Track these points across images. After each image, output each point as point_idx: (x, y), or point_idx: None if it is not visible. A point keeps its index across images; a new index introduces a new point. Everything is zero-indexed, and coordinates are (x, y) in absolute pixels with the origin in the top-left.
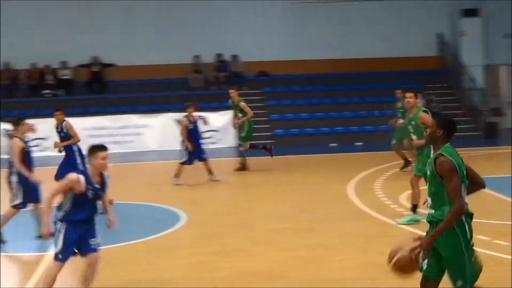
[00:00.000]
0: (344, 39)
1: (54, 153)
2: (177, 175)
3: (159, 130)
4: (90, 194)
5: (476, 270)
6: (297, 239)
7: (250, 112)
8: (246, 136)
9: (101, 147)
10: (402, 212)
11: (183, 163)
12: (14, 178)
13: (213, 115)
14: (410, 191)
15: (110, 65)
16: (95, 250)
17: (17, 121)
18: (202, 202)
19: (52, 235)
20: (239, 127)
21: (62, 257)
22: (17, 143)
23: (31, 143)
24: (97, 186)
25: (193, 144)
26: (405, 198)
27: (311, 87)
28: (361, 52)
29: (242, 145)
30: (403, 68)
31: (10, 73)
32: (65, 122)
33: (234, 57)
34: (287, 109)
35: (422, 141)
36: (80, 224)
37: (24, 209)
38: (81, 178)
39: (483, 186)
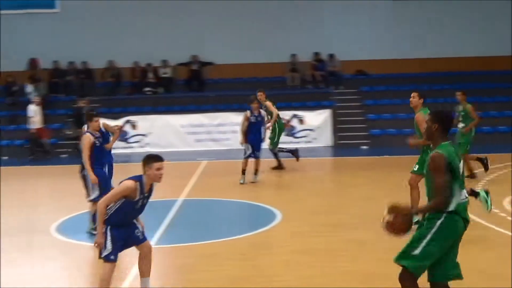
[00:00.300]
0: (445, 37)
1: (154, 149)
2: (255, 172)
3: None
4: (140, 202)
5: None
6: (394, 241)
7: (275, 111)
8: (276, 141)
9: (157, 158)
10: (506, 217)
11: (245, 157)
12: (86, 172)
13: (309, 114)
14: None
15: (208, 63)
16: (144, 239)
17: (89, 117)
18: (297, 201)
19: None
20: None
21: (114, 257)
22: (88, 138)
23: (131, 139)
24: (146, 194)
25: (247, 138)
26: (508, 203)
27: (410, 87)
28: (461, 50)
29: (279, 149)
30: (501, 68)
31: (114, 71)
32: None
33: (331, 56)
34: (384, 108)
35: (418, 141)
36: (122, 227)
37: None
38: (138, 186)
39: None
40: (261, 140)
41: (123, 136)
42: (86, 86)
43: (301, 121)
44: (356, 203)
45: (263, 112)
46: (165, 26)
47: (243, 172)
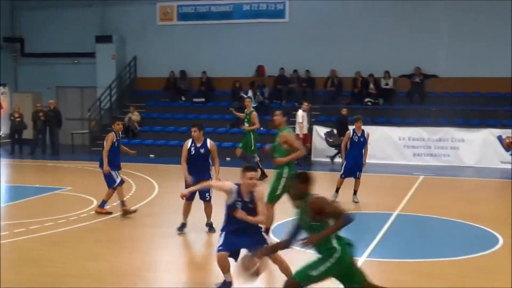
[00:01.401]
0: None
1: (370, 160)
2: (337, 189)
3: (478, 146)
4: (237, 206)
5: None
6: None
7: (257, 124)
8: (253, 149)
9: (250, 168)
10: None
11: (341, 176)
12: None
13: None
14: None
15: (432, 76)
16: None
17: (192, 127)
18: None
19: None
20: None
21: (222, 248)
22: (185, 145)
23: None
24: (246, 199)
25: (346, 159)
26: None
27: None
28: None
29: (254, 157)
30: None
31: (335, 81)
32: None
33: None
34: None
35: (281, 159)
36: (238, 234)
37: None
38: (234, 189)
39: None
40: (361, 160)
41: (339, 145)
42: (307, 94)
43: None
44: None
45: (367, 132)
46: (389, 37)
47: (337, 190)
